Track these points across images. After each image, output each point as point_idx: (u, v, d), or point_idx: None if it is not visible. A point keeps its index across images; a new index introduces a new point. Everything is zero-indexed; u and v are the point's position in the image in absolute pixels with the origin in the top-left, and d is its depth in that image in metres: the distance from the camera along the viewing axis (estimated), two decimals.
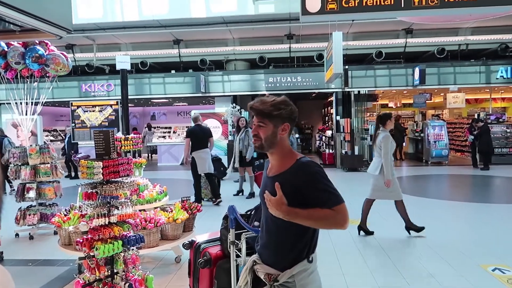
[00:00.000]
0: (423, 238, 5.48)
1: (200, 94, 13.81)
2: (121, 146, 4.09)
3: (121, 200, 2.83)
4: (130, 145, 4.21)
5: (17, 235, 6.15)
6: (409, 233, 5.59)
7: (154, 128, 19.34)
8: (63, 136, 17.95)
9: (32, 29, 3.30)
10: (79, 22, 11.29)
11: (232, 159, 8.98)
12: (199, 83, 13.39)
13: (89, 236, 2.77)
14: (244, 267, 2.01)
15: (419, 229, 5.54)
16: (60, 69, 5.49)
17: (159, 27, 12.43)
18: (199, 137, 7.84)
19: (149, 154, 18.97)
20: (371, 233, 5.66)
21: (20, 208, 6.27)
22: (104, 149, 2.85)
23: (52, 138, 17.58)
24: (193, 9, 11.69)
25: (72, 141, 12.79)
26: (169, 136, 18.86)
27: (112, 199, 2.77)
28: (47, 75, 5.79)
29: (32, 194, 6.16)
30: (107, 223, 2.75)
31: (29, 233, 6.07)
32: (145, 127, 18.66)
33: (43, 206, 6.36)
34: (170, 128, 19.86)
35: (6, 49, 5.29)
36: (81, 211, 4.11)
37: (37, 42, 5.38)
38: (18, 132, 10.35)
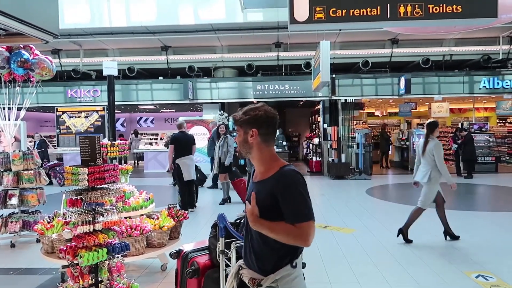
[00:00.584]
0: (408, 244, 5.53)
1: (188, 101, 13.78)
2: (107, 152, 4.04)
3: (107, 207, 2.79)
4: (116, 152, 4.17)
5: None
6: (397, 236, 5.64)
7: (141, 134, 19.19)
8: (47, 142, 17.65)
9: (17, 33, 3.26)
10: (66, 27, 11.18)
11: (213, 166, 8.99)
12: (187, 90, 13.36)
13: (73, 243, 2.72)
14: (230, 272, 2.01)
15: (408, 241, 5.60)
16: (45, 74, 5.42)
17: (147, 33, 12.40)
18: (182, 144, 7.84)
19: (136, 161, 18.78)
20: (457, 237, 5.67)
21: (2, 215, 6.12)
22: (89, 155, 2.81)
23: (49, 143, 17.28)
24: (182, 16, 11.70)
25: (42, 148, 12.39)
26: (156, 143, 18.73)
27: (97, 206, 2.73)
28: (30, 79, 5.69)
29: (14, 201, 6.02)
30: (91, 230, 2.71)
31: (11, 241, 5.93)
32: (132, 134, 18.49)
33: (25, 213, 6.22)
34: (157, 134, 19.73)
35: None
36: (65, 218, 4.03)
37: (22, 46, 5.31)
38: (1, 138, 10.14)
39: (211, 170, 10.46)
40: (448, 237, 5.69)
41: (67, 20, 11.30)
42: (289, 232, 1.70)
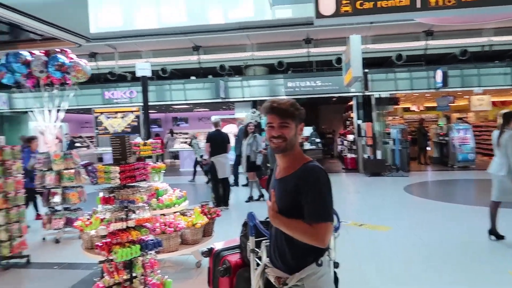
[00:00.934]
0: (449, 244, 5.31)
1: (219, 100, 13.90)
2: (140, 151, 4.14)
3: (138, 204, 2.86)
4: (148, 150, 4.26)
5: (44, 238, 6.31)
6: (490, 236, 5.43)
7: (176, 134, 19.57)
8: (88, 142, 18.38)
9: (52, 37, 3.40)
10: (100, 30, 11.56)
11: (242, 165, 9.01)
12: (219, 88, 13.50)
13: (108, 240, 2.81)
14: (256, 271, 2.00)
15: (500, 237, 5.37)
16: (81, 76, 5.64)
17: (178, 34, 12.61)
18: (218, 142, 7.92)
19: (172, 160, 19.18)
20: (502, 237, 5.37)
21: (47, 212, 6.43)
22: (120, 154, 2.89)
23: (78, 144, 17.99)
24: (211, 16, 11.82)
25: (71, 149, 12.55)
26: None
27: (129, 204, 2.80)
28: (67, 82, 5.94)
29: (57, 199, 6.31)
30: (125, 227, 2.79)
31: (55, 237, 6.21)
32: (168, 133, 18.88)
33: (68, 210, 6.50)
34: None
35: (29, 58, 5.48)
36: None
37: (58, 51, 5.54)
38: (45, 139, 10.62)
39: (233, 167, 10.51)
40: (492, 237, 5.41)
41: (101, 24, 11.68)
42: (305, 231, 1.68)
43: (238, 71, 14.81)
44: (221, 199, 8.03)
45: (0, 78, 5.62)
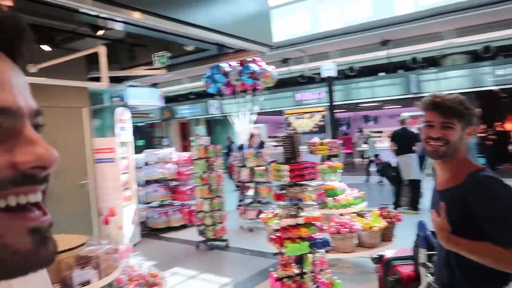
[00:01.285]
0: None
1: (410, 95, 12.92)
2: (316, 150, 4.24)
3: (307, 202, 2.94)
4: (325, 150, 4.32)
5: (241, 227, 7.19)
6: None
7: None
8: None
9: (241, 49, 3.86)
10: (290, 37, 12.35)
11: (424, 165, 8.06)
12: (409, 83, 12.57)
13: (280, 234, 2.99)
14: None
15: None
16: (269, 82, 6.19)
17: (365, 31, 12.28)
18: (403, 141, 7.43)
19: (362, 159, 18.87)
20: None
21: (242, 204, 7.32)
22: (291, 153, 3.03)
23: (275, 143, 19.80)
24: (399, 6, 11.03)
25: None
26: (379, 140, 18.28)
27: (298, 201, 2.92)
28: (257, 88, 6.62)
29: (251, 192, 7.11)
30: (295, 223, 2.92)
31: (249, 226, 7.00)
32: (357, 132, 18.65)
33: (260, 203, 7.23)
34: (381, 132, 19.24)
35: (227, 69, 6.36)
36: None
37: (250, 60, 6.23)
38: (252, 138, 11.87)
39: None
40: None
41: (291, 30, 12.48)
42: (501, 257, 1.36)
43: (432, 62, 13.41)
44: (409, 203, 7.46)
45: (207, 88, 6.76)
